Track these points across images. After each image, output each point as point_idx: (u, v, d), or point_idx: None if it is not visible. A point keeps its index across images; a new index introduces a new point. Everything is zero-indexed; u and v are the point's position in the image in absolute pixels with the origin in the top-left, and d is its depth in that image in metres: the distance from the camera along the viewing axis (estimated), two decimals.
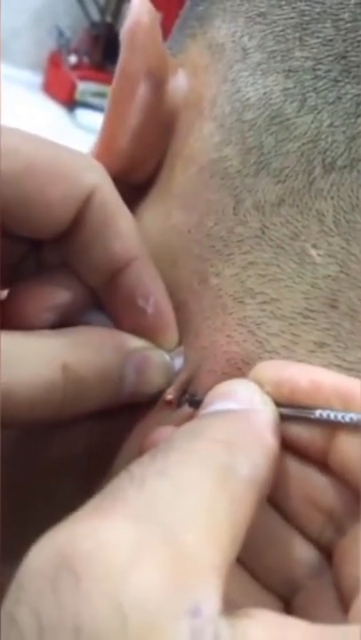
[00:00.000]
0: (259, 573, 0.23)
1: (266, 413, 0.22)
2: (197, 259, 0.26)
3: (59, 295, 0.25)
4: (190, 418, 0.25)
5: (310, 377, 0.22)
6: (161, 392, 0.25)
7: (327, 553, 0.22)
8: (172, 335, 0.26)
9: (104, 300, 0.26)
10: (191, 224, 0.26)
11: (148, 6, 0.27)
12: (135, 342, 0.25)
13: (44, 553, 0.16)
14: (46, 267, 0.26)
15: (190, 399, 0.25)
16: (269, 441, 0.20)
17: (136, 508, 0.16)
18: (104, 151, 0.27)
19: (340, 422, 0.21)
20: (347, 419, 0.21)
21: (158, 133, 0.27)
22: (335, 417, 0.21)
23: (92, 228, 0.24)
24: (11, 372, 0.21)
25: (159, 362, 0.25)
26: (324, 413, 0.21)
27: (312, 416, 0.21)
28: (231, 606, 0.16)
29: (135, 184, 0.28)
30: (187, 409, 0.25)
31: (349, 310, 0.24)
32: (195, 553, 0.16)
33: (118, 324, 0.26)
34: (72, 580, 0.15)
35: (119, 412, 0.25)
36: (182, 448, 0.19)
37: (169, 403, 0.25)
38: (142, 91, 0.27)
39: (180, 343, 0.26)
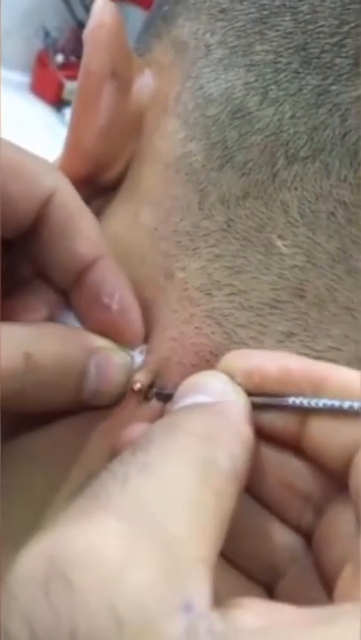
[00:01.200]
0: (240, 563, 0.23)
1: (239, 404, 0.22)
2: (164, 255, 0.26)
3: (38, 313, 0.26)
4: (160, 412, 0.25)
5: (279, 364, 0.22)
6: (121, 394, 0.25)
7: (307, 537, 0.23)
8: (137, 331, 0.26)
9: (72, 300, 0.26)
10: (158, 221, 0.26)
11: (111, 7, 0.27)
12: (99, 341, 0.25)
13: (33, 559, 0.16)
14: (19, 281, 0.27)
15: (159, 392, 0.25)
16: (245, 431, 0.21)
17: (122, 506, 0.16)
18: (72, 152, 0.27)
19: (313, 408, 0.21)
20: (320, 404, 0.21)
21: (125, 133, 0.28)
22: (308, 403, 0.21)
23: (54, 229, 0.25)
24: None
25: (121, 362, 0.25)
26: (298, 400, 0.21)
27: (285, 403, 0.22)
28: (218, 598, 0.16)
29: (105, 185, 0.28)
30: (156, 403, 0.25)
31: (317, 300, 0.24)
32: (183, 547, 0.16)
33: (85, 322, 0.26)
34: (64, 585, 0.15)
35: (87, 412, 0.25)
36: (162, 443, 0.19)
37: (137, 392, 0.25)
38: (108, 91, 0.27)
39: (145, 340, 0.26)
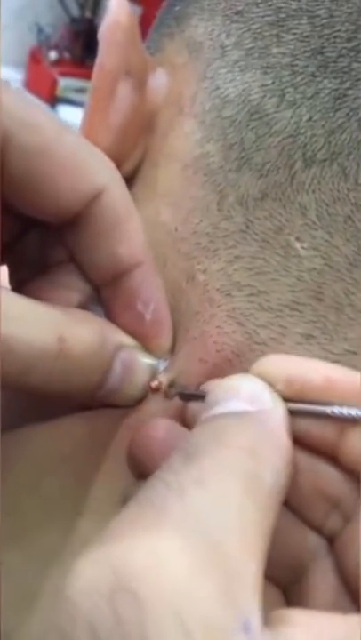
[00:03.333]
0: None
1: (278, 413, 0.22)
2: (185, 257, 0.26)
3: (66, 298, 0.25)
4: (181, 410, 0.25)
5: (323, 373, 0.22)
6: (141, 397, 0.25)
7: (329, 540, 0.23)
8: (165, 343, 0.25)
9: (104, 298, 0.26)
10: (178, 222, 0.26)
11: (127, 6, 0.27)
12: (128, 340, 0.25)
13: (98, 570, 0.16)
14: (52, 263, 0.26)
15: (182, 392, 0.25)
16: (286, 444, 0.21)
17: (182, 521, 0.17)
18: None
19: (354, 418, 0.21)
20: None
21: (139, 131, 0.28)
22: (349, 414, 0.21)
23: (98, 228, 0.24)
24: (14, 329, 0.21)
25: (146, 364, 0.25)
26: (340, 410, 0.21)
27: (325, 412, 0.21)
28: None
29: None
30: (177, 401, 0.25)
31: (334, 303, 0.24)
32: (238, 563, 0.16)
33: (114, 322, 0.26)
34: (131, 597, 0.15)
35: (107, 409, 0.25)
36: (211, 454, 0.19)
37: (155, 390, 0.25)
38: (123, 89, 0.27)
39: (172, 351, 0.26)
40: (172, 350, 0.26)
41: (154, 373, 0.25)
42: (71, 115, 1.63)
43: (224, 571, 0.16)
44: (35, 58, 1.82)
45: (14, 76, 1.78)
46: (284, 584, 0.23)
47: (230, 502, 0.17)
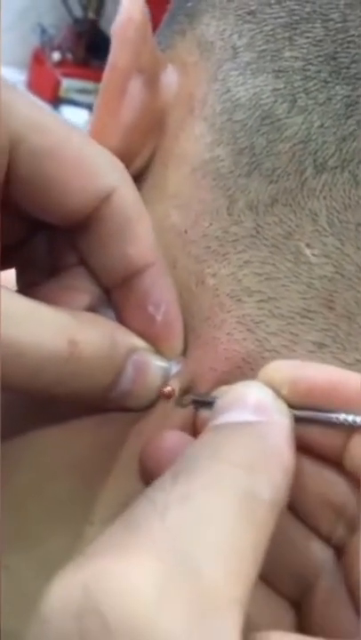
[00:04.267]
0: (269, 575, 0.23)
1: (282, 425, 0.21)
2: (195, 260, 0.26)
3: (76, 300, 0.25)
4: (192, 418, 0.24)
5: (328, 378, 0.22)
6: (153, 400, 0.25)
7: (338, 551, 0.22)
8: (176, 345, 0.25)
9: (115, 300, 0.25)
10: (187, 224, 0.26)
11: (140, 3, 0.27)
12: (140, 342, 0.25)
13: (69, 588, 0.15)
14: (61, 266, 0.26)
15: (196, 400, 0.24)
16: (287, 457, 0.20)
17: (160, 543, 0.16)
18: None
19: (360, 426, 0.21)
20: None
21: (149, 129, 0.27)
22: (354, 421, 0.21)
23: (109, 229, 0.24)
24: (23, 332, 0.21)
25: (158, 366, 0.25)
26: (348, 418, 0.21)
27: (334, 420, 0.21)
28: (247, 620, 0.16)
29: None
30: (190, 409, 0.25)
31: (346, 312, 0.24)
32: (217, 590, 0.16)
33: (125, 325, 0.25)
34: (99, 622, 0.15)
35: (117, 414, 0.25)
36: (204, 472, 0.18)
37: (168, 396, 0.25)
38: (135, 87, 0.27)
39: (183, 353, 0.25)
40: (184, 353, 0.25)
41: (166, 376, 0.25)
42: (74, 115, 1.64)
43: (199, 597, 0.15)
44: (38, 59, 1.82)
45: (16, 77, 1.78)
46: (295, 597, 0.23)
47: (216, 521, 0.17)
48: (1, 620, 0.23)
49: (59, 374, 0.22)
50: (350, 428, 0.21)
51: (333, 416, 0.21)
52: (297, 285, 0.24)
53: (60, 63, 1.80)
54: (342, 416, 0.21)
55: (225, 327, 0.25)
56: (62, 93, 1.75)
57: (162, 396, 0.25)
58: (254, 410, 0.21)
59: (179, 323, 0.25)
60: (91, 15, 1.84)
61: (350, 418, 0.21)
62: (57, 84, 1.75)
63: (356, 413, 0.21)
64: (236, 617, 0.16)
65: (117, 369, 0.24)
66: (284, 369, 0.22)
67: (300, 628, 0.23)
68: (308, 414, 0.22)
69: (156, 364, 0.25)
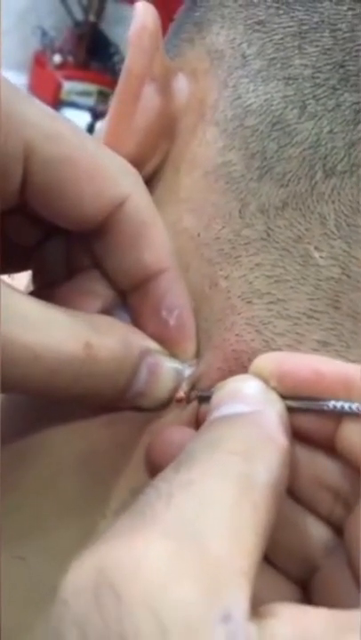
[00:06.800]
0: (275, 557, 0.24)
1: (274, 412, 0.22)
2: (208, 262, 0.26)
3: (90, 303, 0.26)
4: (195, 414, 0.25)
5: (312, 368, 0.22)
6: (168, 400, 0.26)
7: (339, 531, 0.23)
8: (189, 348, 0.26)
9: (131, 304, 0.26)
10: (200, 228, 0.27)
11: (153, 10, 0.27)
12: (154, 345, 0.25)
13: (85, 570, 0.16)
14: (76, 269, 0.27)
15: (199, 395, 0.25)
16: (281, 442, 0.21)
17: (167, 525, 0.17)
18: None
19: (349, 413, 0.22)
20: (354, 408, 0.21)
21: (161, 135, 0.28)
22: (343, 407, 0.22)
23: (123, 235, 0.25)
24: (38, 336, 0.21)
25: (172, 368, 0.25)
26: (337, 405, 0.22)
27: (325, 408, 0.22)
28: (255, 599, 0.16)
29: None
30: (194, 405, 0.25)
31: (351, 311, 0.25)
32: (224, 562, 0.17)
33: (139, 326, 0.26)
34: (114, 597, 0.15)
35: (129, 413, 0.26)
36: (203, 461, 0.19)
37: (179, 401, 0.26)
38: (148, 93, 0.27)
39: (196, 356, 0.26)
40: (197, 355, 0.26)
41: (179, 377, 0.26)
42: (75, 118, 1.64)
43: (206, 569, 0.16)
44: (39, 61, 1.83)
45: (17, 80, 1.79)
46: (302, 579, 0.24)
47: (218, 502, 0.18)
48: (11, 612, 0.24)
49: (75, 377, 0.22)
50: (340, 414, 0.22)
51: (323, 404, 0.22)
52: (305, 287, 0.25)
53: (61, 66, 1.80)
54: (331, 403, 0.22)
55: (235, 329, 0.25)
56: (63, 96, 1.76)
57: (175, 402, 0.26)
58: (247, 401, 0.22)
59: (191, 327, 0.26)
60: (91, 18, 1.84)
61: (339, 404, 0.22)
62: (58, 87, 1.76)
63: (343, 400, 0.22)
64: (244, 586, 0.16)
65: (132, 371, 0.24)
66: (269, 363, 0.23)
67: None
68: (297, 404, 0.22)
69: (169, 366, 0.25)
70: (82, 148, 0.23)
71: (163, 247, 0.25)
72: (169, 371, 0.25)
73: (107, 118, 0.28)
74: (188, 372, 0.26)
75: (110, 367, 0.23)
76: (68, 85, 1.74)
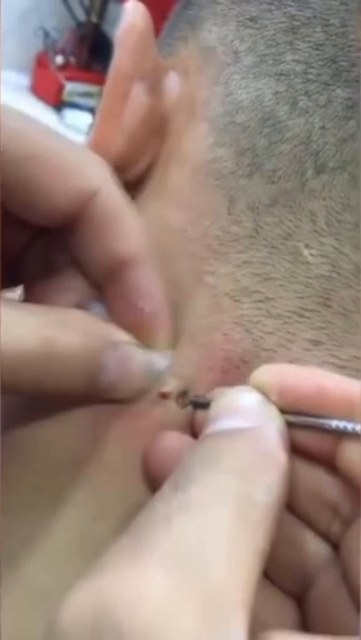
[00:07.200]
0: (271, 572, 0.23)
1: (274, 429, 0.22)
2: (193, 257, 0.26)
3: (65, 299, 0.26)
4: (190, 419, 0.25)
5: (315, 383, 0.22)
6: (141, 390, 0.25)
7: (336, 547, 0.23)
8: (165, 337, 0.26)
9: (105, 295, 0.26)
10: (187, 223, 0.26)
11: (142, 10, 0.27)
12: (121, 336, 0.25)
13: (82, 601, 0.16)
14: (55, 266, 0.27)
15: (195, 401, 0.25)
16: (280, 459, 0.21)
17: (166, 554, 0.17)
18: (97, 151, 0.27)
19: (351, 433, 0.21)
20: (356, 429, 0.21)
21: (152, 134, 0.28)
22: (345, 427, 0.21)
23: (95, 227, 0.25)
24: (1, 335, 0.21)
25: (142, 360, 0.25)
26: (339, 424, 0.21)
27: (326, 426, 0.22)
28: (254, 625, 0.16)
29: (127, 183, 0.28)
30: (188, 409, 0.25)
31: (342, 309, 0.24)
32: (223, 593, 0.16)
33: (116, 319, 0.26)
34: (114, 631, 0.15)
35: (114, 412, 0.25)
36: (201, 480, 0.19)
37: (164, 396, 0.25)
38: (136, 92, 0.27)
39: (172, 347, 0.26)
40: (175, 349, 0.26)
41: (153, 368, 0.25)
42: (77, 119, 1.64)
43: (206, 601, 0.16)
44: (41, 62, 1.83)
45: (19, 81, 1.79)
46: (297, 594, 0.23)
47: (217, 528, 0.17)
48: (2, 617, 0.24)
49: (39, 373, 0.22)
50: (341, 433, 0.22)
51: (325, 422, 0.22)
52: (294, 285, 0.25)
53: (64, 67, 1.80)
54: (334, 422, 0.21)
55: (222, 327, 0.25)
56: (66, 97, 1.76)
57: (160, 396, 0.25)
58: (246, 416, 0.22)
59: (166, 315, 0.25)
60: (93, 19, 1.85)
61: (341, 425, 0.21)
62: (60, 88, 1.76)
63: (345, 420, 0.21)
64: (243, 618, 0.16)
65: (95, 363, 0.24)
66: (270, 376, 0.23)
67: (304, 624, 0.23)
68: (298, 419, 0.22)
69: (140, 356, 0.25)
70: (48, 144, 0.24)
71: (135, 237, 0.25)
72: (140, 361, 0.25)
73: (96, 117, 0.28)
74: (164, 363, 0.25)
75: (73, 361, 0.23)
76: (70, 86, 1.74)
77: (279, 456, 0.21)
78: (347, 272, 0.24)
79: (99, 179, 0.24)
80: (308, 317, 0.24)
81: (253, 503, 0.18)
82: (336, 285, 0.24)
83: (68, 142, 0.24)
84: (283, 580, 0.23)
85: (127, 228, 0.25)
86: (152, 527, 0.17)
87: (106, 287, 0.26)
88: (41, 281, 0.26)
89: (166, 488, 0.19)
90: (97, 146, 0.27)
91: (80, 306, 0.26)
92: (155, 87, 0.27)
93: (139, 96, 0.27)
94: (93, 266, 0.26)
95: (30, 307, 0.23)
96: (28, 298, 0.23)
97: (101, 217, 0.24)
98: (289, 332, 0.24)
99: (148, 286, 0.25)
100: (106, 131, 0.27)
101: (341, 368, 0.24)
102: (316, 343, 0.24)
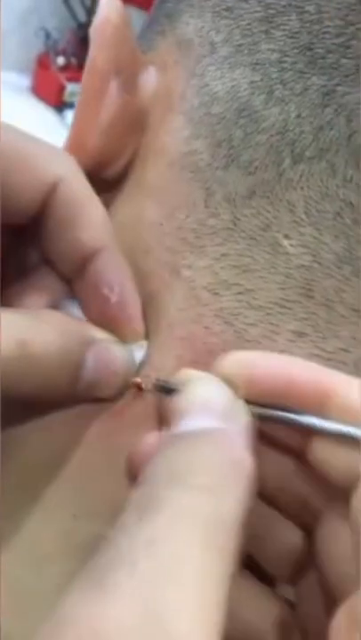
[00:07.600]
0: (256, 557, 0.23)
1: (240, 428, 0.21)
2: (169, 251, 0.26)
3: (39, 299, 0.26)
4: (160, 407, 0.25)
5: (284, 375, 0.22)
6: (122, 387, 0.25)
7: (309, 533, 0.23)
8: (136, 326, 0.25)
9: (75, 289, 0.26)
10: (163, 217, 0.26)
11: (118, 4, 0.27)
12: (98, 334, 0.25)
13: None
14: (28, 267, 0.26)
15: (161, 385, 0.24)
16: (248, 466, 0.20)
17: (130, 598, 0.16)
18: (75, 147, 0.27)
19: (320, 430, 0.21)
20: (326, 426, 0.21)
21: (129, 129, 0.27)
22: (315, 425, 0.21)
23: (59, 217, 0.24)
24: None
25: (121, 355, 0.25)
26: (309, 421, 0.21)
27: (295, 422, 0.21)
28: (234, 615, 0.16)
29: (107, 180, 0.28)
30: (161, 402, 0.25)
31: (325, 300, 0.24)
32: None
33: (87, 313, 0.26)
34: None
35: (95, 410, 0.25)
36: (166, 505, 0.18)
37: (138, 387, 0.25)
38: (113, 87, 0.27)
39: (146, 336, 0.26)
40: (149, 339, 0.26)
41: (131, 363, 0.25)
42: None
43: None
44: (42, 63, 1.83)
45: (20, 81, 1.79)
46: (293, 581, 0.23)
47: (184, 571, 0.17)
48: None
49: (15, 375, 0.22)
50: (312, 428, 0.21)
51: (294, 418, 0.21)
52: (275, 276, 0.24)
53: (65, 68, 1.81)
54: (305, 419, 0.21)
55: (203, 321, 0.25)
56: (67, 98, 1.76)
57: (132, 387, 0.25)
58: (212, 414, 0.21)
59: (136, 303, 0.25)
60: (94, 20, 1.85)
61: (311, 421, 0.21)
62: (61, 89, 1.76)
63: (315, 417, 0.21)
64: None
65: (74, 363, 0.24)
66: (239, 367, 0.22)
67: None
68: (266, 412, 0.22)
69: (118, 352, 0.25)
70: (7, 139, 0.23)
71: (99, 226, 0.25)
72: (118, 357, 0.25)
73: (74, 114, 0.28)
74: (139, 354, 0.25)
75: (50, 361, 0.23)
76: (71, 87, 1.74)
77: (247, 463, 0.20)
78: (328, 262, 0.24)
79: (61, 169, 0.24)
80: (290, 308, 0.24)
81: (223, 522, 0.18)
82: (317, 275, 0.24)
83: (27, 137, 0.24)
84: (273, 569, 0.23)
85: (91, 216, 0.25)
86: (115, 568, 0.17)
87: (75, 281, 0.26)
88: (14, 282, 0.26)
89: (129, 517, 0.18)
90: (74, 142, 0.27)
91: (55, 305, 0.26)
92: (131, 82, 0.27)
93: (115, 92, 0.27)
94: (62, 260, 0.25)
95: (4, 310, 0.23)
96: (3, 300, 0.22)
97: (66, 207, 0.24)
98: (272, 324, 0.24)
99: (114, 274, 0.25)
100: (83, 127, 0.27)
101: (327, 360, 0.24)
102: (300, 334, 0.24)
